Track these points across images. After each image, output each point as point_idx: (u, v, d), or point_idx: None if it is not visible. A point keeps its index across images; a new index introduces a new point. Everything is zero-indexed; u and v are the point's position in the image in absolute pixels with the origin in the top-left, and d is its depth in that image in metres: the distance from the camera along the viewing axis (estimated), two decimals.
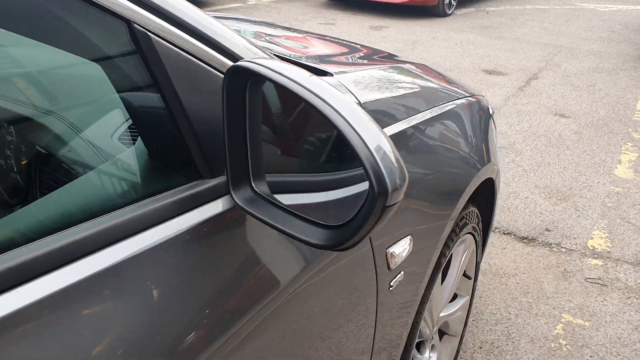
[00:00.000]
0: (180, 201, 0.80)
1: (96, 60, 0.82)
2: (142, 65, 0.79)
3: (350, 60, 1.65)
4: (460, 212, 1.58)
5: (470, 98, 1.86)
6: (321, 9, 8.84)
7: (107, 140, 0.88)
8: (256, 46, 0.98)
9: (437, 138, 1.41)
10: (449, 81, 1.99)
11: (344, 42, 2.16)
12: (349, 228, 0.73)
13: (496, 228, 3.16)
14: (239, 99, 0.79)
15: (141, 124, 0.87)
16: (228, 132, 0.80)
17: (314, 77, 0.75)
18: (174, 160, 0.86)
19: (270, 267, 0.90)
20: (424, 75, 1.83)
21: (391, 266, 1.14)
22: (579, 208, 3.42)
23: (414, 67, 1.92)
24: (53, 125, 0.84)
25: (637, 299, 2.64)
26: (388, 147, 0.69)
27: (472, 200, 1.74)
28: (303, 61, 1.30)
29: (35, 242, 0.66)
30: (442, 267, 1.51)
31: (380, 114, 1.21)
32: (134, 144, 0.88)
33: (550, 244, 3.04)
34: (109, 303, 0.69)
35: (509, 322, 2.45)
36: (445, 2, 8.94)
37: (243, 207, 0.82)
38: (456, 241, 1.58)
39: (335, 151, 0.98)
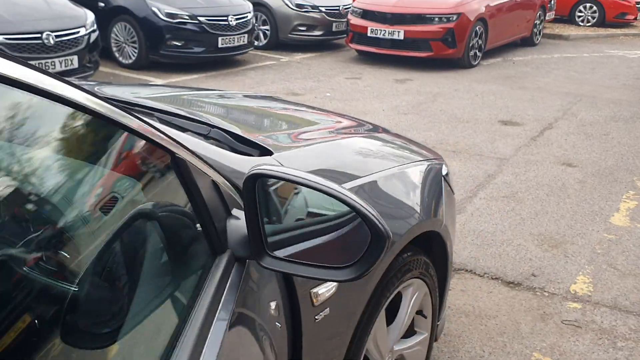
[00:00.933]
0: (222, 277, 1.13)
1: (141, 177, 1.14)
2: (181, 181, 1.12)
3: (308, 137, 2.01)
4: (401, 259, 1.88)
5: (424, 161, 2.19)
6: (349, 63, 9.31)
7: (137, 246, 1.12)
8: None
9: (370, 197, 1.75)
10: (410, 147, 2.33)
11: (324, 115, 2.54)
12: (363, 264, 1.11)
13: (485, 273, 3.41)
14: (252, 193, 1.12)
15: (171, 228, 1.16)
16: (248, 217, 1.13)
17: (302, 174, 1.12)
18: (200, 244, 1.18)
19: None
20: (381, 143, 2.18)
21: (315, 303, 1.46)
22: (568, 254, 3.63)
23: (377, 137, 2.27)
24: (94, 238, 1.01)
25: (608, 339, 2.84)
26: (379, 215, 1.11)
27: (420, 249, 2.05)
28: (256, 141, 1.67)
29: None
30: (383, 305, 1.82)
31: None
32: (163, 247, 1.15)
33: (535, 288, 3.27)
34: None
35: (482, 359, 2.69)
36: (471, 54, 9.29)
37: (271, 268, 1.15)
38: (398, 285, 1.89)
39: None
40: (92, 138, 1.02)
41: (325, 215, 1.35)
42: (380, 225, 1.08)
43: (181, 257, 1.16)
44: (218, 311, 1.07)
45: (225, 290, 1.11)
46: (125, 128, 0.98)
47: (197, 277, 1.13)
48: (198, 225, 1.16)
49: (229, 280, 1.14)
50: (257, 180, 1.12)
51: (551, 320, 2.98)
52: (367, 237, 1.11)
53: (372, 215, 1.09)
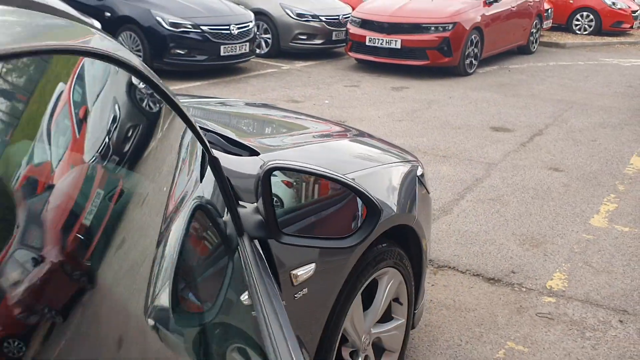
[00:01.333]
0: (253, 256, 1.30)
1: (191, 172, 1.32)
2: (215, 172, 1.29)
3: (295, 140, 2.24)
4: (376, 249, 2.10)
5: (401, 162, 2.41)
6: (348, 71, 9.55)
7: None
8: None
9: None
10: (389, 149, 2.55)
11: (314, 121, 2.77)
12: (362, 233, 1.38)
13: (467, 270, 3.62)
14: (268, 183, 1.32)
15: (210, 216, 1.33)
16: (265, 204, 1.33)
17: (314, 167, 1.37)
18: (227, 229, 1.34)
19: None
20: (362, 146, 2.40)
21: (294, 283, 1.68)
22: (547, 253, 3.84)
23: (359, 140, 2.49)
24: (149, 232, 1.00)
25: (577, 330, 3.05)
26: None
27: (395, 242, 2.26)
28: (246, 143, 1.90)
29: None
30: (359, 290, 2.04)
31: None
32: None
33: (513, 284, 3.48)
34: None
35: (459, 347, 2.91)
36: (467, 62, 9.52)
37: (289, 243, 1.39)
38: (373, 272, 2.11)
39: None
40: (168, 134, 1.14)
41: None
42: (375, 202, 1.38)
43: (223, 241, 1.34)
44: (268, 286, 1.25)
45: (260, 267, 1.30)
46: (190, 125, 1.15)
47: (238, 257, 1.28)
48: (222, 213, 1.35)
49: (259, 258, 1.34)
50: (272, 173, 1.34)
51: (526, 313, 3.20)
52: (357, 213, 1.42)
53: (369, 194, 1.38)
